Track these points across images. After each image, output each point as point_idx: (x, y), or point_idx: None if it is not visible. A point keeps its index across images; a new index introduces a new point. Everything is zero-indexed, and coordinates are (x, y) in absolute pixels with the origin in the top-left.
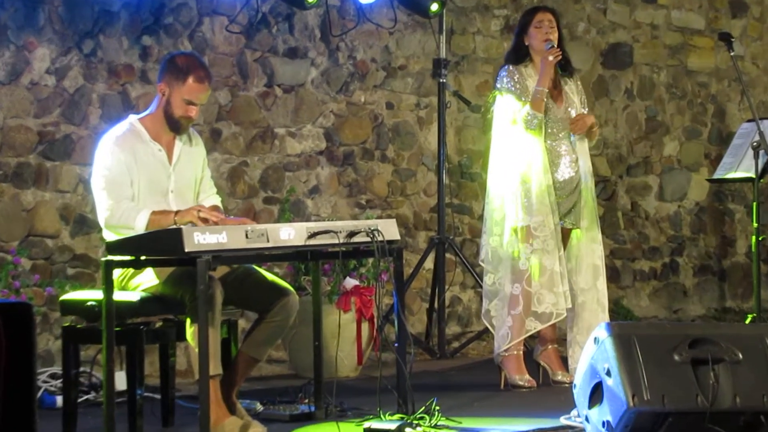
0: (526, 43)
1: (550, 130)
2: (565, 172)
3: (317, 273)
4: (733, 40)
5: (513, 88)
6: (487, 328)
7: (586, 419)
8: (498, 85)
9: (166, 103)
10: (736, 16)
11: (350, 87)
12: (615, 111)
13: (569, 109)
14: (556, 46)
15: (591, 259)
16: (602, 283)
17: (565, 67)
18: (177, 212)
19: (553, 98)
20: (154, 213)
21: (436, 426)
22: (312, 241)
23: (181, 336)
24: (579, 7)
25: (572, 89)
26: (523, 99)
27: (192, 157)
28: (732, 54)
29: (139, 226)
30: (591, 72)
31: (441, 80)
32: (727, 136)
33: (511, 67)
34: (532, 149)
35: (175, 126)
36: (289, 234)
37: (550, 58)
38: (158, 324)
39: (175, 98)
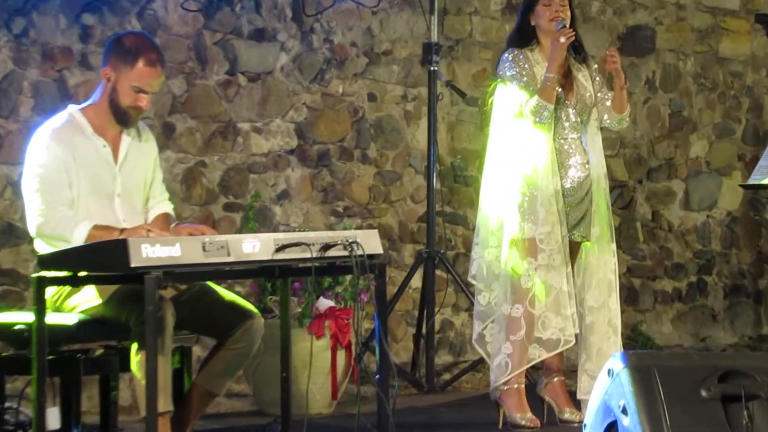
0: (533, 24)
1: (559, 126)
2: (574, 175)
3: (286, 292)
4: None
5: (518, 75)
6: (482, 358)
7: None
8: (500, 73)
9: (111, 90)
10: None
11: (326, 75)
12: (634, 105)
13: (582, 100)
14: (568, 26)
15: (603, 273)
16: (615, 301)
17: (578, 50)
18: (123, 230)
19: (563, 88)
20: (95, 228)
21: None
22: (280, 255)
23: (126, 366)
24: None
25: (586, 77)
26: (531, 89)
27: (141, 155)
28: None
29: (76, 240)
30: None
31: (432, 68)
32: (765, 134)
33: (515, 51)
34: (538, 148)
35: (123, 118)
36: (254, 246)
37: (562, 39)
38: (99, 351)
39: (122, 85)
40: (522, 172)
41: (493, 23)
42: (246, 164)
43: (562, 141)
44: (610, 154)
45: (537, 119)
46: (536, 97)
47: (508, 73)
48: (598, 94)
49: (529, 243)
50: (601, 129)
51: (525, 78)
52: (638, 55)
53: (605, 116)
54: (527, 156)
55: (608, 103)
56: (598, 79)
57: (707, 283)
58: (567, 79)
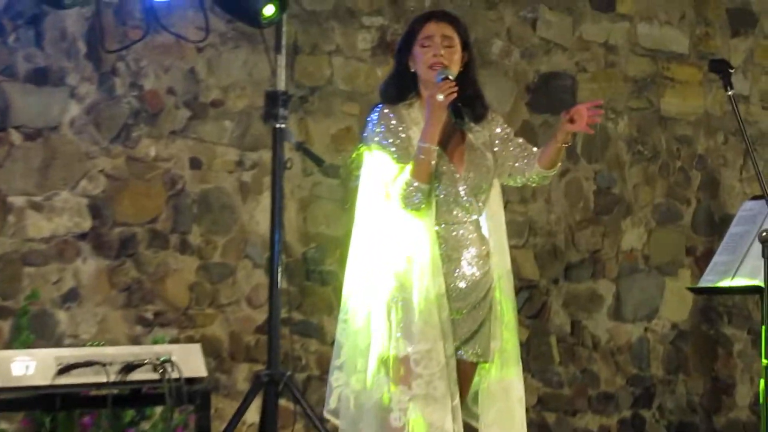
0: (412, 70)
1: (445, 208)
2: (468, 272)
3: (72, 430)
4: (732, 70)
5: (387, 142)
6: None
7: None
8: (366, 136)
9: None
10: (739, 33)
11: (133, 133)
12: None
13: (478, 172)
14: (454, 77)
15: (505, 404)
16: None
17: (472, 105)
18: None
19: (451, 157)
20: None
21: None
22: (65, 380)
23: None
24: (494, 15)
25: (484, 140)
26: (404, 161)
27: None
28: (730, 93)
29: None
30: (512, 116)
31: (278, 125)
32: (722, 220)
33: (386, 110)
34: (416, 237)
35: None
36: (27, 367)
37: (439, 97)
38: None
39: None
40: (393, 270)
41: (361, 67)
42: (19, 253)
43: (450, 227)
44: (517, 243)
45: (406, 203)
46: (407, 173)
47: (375, 138)
48: (505, 152)
49: (402, 364)
50: (506, 204)
51: (395, 147)
52: (554, 111)
53: (520, 169)
54: (401, 248)
55: (524, 160)
56: (501, 132)
57: (645, 420)
58: (457, 146)
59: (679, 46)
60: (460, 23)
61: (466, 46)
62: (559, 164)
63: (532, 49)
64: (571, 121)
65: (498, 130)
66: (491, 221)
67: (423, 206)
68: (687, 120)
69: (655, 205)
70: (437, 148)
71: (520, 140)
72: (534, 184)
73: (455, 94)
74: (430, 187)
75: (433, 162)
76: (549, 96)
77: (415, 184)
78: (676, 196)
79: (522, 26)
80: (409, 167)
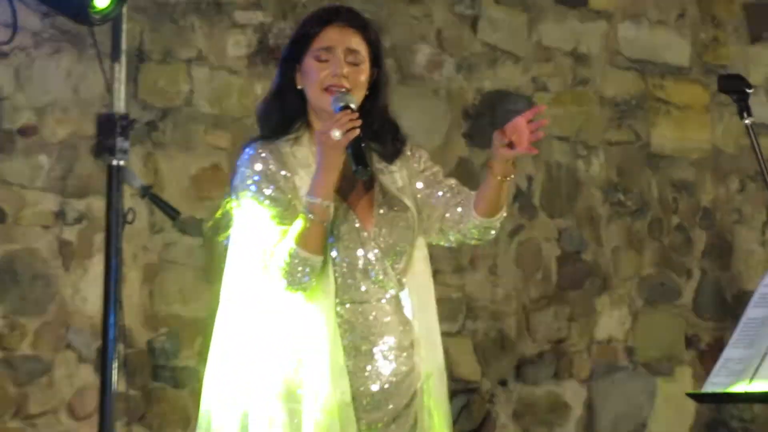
0: (300, 87)
1: (349, 282)
2: (384, 370)
3: None
4: (750, 90)
5: (264, 194)
6: None
7: None
8: (236, 184)
9: None
10: (761, 38)
11: None
12: (494, 242)
13: (395, 227)
14: (357, 106)
15: None
16: None
17: (362, 158)
18: None
19: (354, 210)
20: None
21: None
22: None
23: None
24: (419, 10)
25: (402, 184)
26: (288, 219)
27: None
28: (748, 122)
29: None
30: (443, 150)
31: (115, 162)
32: (736, 299)
33: (261, 149)
34: (307, 324)
35: None
36: None
37: (335, 134)
38: None
39: None
40: (277, 370)
41: (233, 81)
42: None
43: (357, 308)
44: (450, 329)
45: (290, 282)
46: (290, 242)
47: (247, 189)
48: (431, 200)
49: None
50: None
51: (275, 201)
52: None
53: (453, 221)
54: (287, 339)
55: (457, 208)
56: (426, 173)
57: None
58: (363, 192)
59: (677, 55)
60: (372, 31)
61: (376, 60)
62: (504, 209)
63: (471, 58)
64: (510, 144)
65: (421, 169)
66: (415, 298)
67: (314, 283)
68: (687, 159)
69: (642, 277)
70: (332, 203)
71: (452, 182)
72: (473, 242)
73: (358, 131)
74: (323, 259)
75: (326, 224)
76: (495, 124)
77: (302, 255)
78: (672, 265)
79: (458, 26)
80: (294, 231)
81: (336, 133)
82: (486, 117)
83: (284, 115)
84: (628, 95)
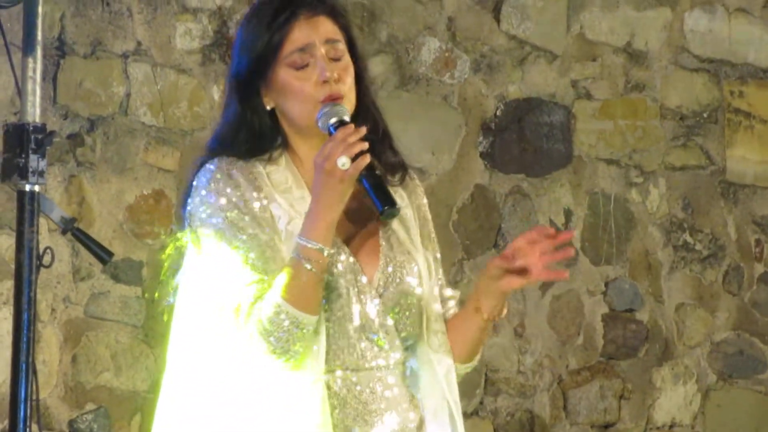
0: (269, 107)
1: (343, 342)
2: None
3: None
4: None
5: (233, 228)
6: None
7: None
8: (192, 212)
9: None
10: None
11: None
12: (524, 299)
13: (398, 277)
14: (349, 117)
15: None
16: None
17: (387, 195)
18: None
19: (351, 250)
20: None
21: None
22: None
23: None
24: None
25: (406, 221)
26: (264, 262)
27: None
28: None
29: None
30: (456, 175)
31: (27, 187)
32: None
33: (226, 165)
34: (286, 397)
35: None
36: None
37: (342, 162)
38: None
39: None
40: None
41: (182, 82)
42: None
43: (350, 377)
44: (464, 408)
45: (275, 347)
46: (276, 296)
47: (205, 218)
48: (434, 280)
49: None
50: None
51: (247, 235)
52: (531, 170)
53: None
54: (261, 421)
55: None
56: (429, 227)
57: None
58: (362, 228)
59: (763, 54)
60: (342, 13)
61: (353, 49)
62: (477, 358)
63: (493, 56)
64: (521, 270)
65: (426, 215)
66: (428, 367)
67: (301, 354)
68: None
69: (715, 343)
70: (332, 250)
71: (439, 273)
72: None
73: (368, 156)
74: (315, 319)
75: (324, 276)
76: (523, 141)
77: (293, 313)
78: (755, 329)
79: (476, 14)
80: (279, 282)
81: (343, 160)
82: (511, 132)
83: (252, 135)
84: (698, 105)
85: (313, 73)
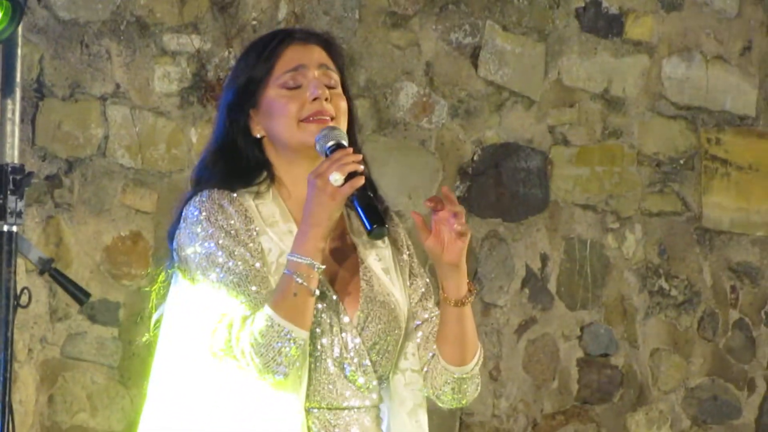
0: (257, 135)
1: (324, 378)
2: None
3: None
4: None
5: (221, 254)
6: None
7: None
8: (179, 244)
9: None
10: None
11: None
12: (511, 351)
13: (377, 314)
14: (347, 141)
15: None
16: None
17: (377, 214)
18: None
19: (334, 287)
20: None
21: None
22: None
23: None
24: (401, 36)
25: (385, 261)
26: (253, 286)
27: None
28: None
29: None
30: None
31: (6, 228)
32: None
33: (217, 196)
34: (270, 428)
35: None
36: None
37: (335, 178)
38: None
39: None
40: None
41: (161, 125)
42: None
43: (327, 416)
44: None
45: (266, 363)
46: (268, 308)
47: (200, 248)
48: (416, 308)
49: None
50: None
51: (235, 260)
52: (507, 215)
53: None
54: None
55: (428, 351)
56: (410, 261)
57: None
58: (343, 264)
59: (740, 101)
60: (338, 49)
61: (344, 88)
62: (480, 349)
63: (470, 101)
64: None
65: (406, 254)
66: (400, 408)
67: (290, 372)
68: (750, 236)
69: (689, 389)
70: (322, 267)
71: (422, 286)
72: (450, 406)
73: (362, 178)
74: (306, 336)
75: (315, 293)
76: (500, 186)
77: (284, 325)
78: (730, 375)
79: (454, 59)
80: (272, 297)
81: (336, 176)
82: (488, 177)
83: (239, 166)
84: (675, 152)
85: (304, 93)
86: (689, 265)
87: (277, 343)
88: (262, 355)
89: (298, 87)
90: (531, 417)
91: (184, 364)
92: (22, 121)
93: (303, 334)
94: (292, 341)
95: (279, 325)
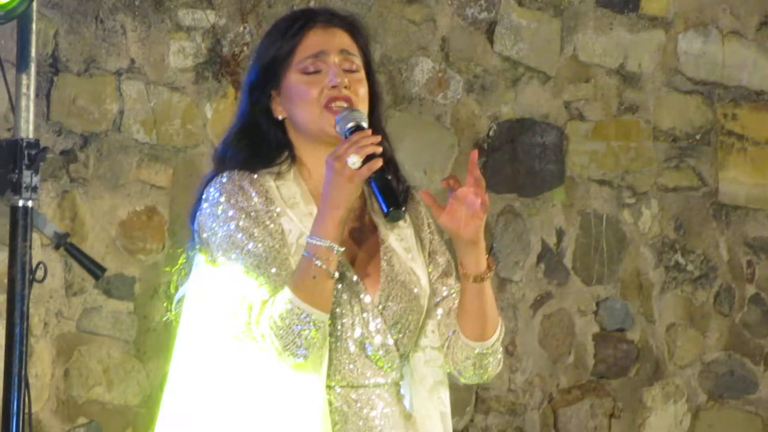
0: (279, 117)
1: (345, 358)
2: None
3: None
4: None
5: (242, 234)
6: None
7: None
8: (199, 224)
9: None
10: None
11: None
12: (526, 326)
13: (398, 295)
14: (366, 123)
15: None
16: None
17: (395, 197)
18: None
19: (355, 268)
20: None
21: None
22: None
23: None
24: (417, 12)
25: (406, 240)
26: (272, 268)
27: None
28: None
29: None
30: (448, 196)
31: (20, 203)
32: None
33: (237, 178)
34: (287, 413)
35: None
36: None
37: (353, 160)
38: None
39: None
40: None
41: (176, 99)
42: None
43: (349, 393)
44: (455, 425)
45: (286, 345)
46: (288, 290)
47: (215, 226)
48: (436, 284)
49: None
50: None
51: (255, 241)
52: (523, 191)
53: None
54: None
55: (449, 328)
56: (431, 237)
57: None
58: (364, 244)
59: (757, 76)
60: (362, 31)
61: (368, 70)
62: (501, 324)
63: (486, 76)
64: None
65: (431, 237)
66: (421, 386)
67: (312, 353)
68: (767, 211)
69: (706, 363)
70: (341, 248)
71: (442, 263)
72: (471, 382)
73: (380, 160)
74: (327, 317)
75: (335, 275)
76: (515, 161)
77: (304, 308)
78: (746, 349)
79: (469, 35)
80: (292, 279)
81: (354, 159)
82: (504, 152)
83: (261, 147)
84: (691, 127)
85: (324, 78)
86: (705, 240)
87: (297, 326)
88: (281, 337)
89: (317, 72)
90: (547, 391)
91: (205, 345)
92: (37, 96)
93: (323, 317)
94: (312, 324)
95: (299, 308)
